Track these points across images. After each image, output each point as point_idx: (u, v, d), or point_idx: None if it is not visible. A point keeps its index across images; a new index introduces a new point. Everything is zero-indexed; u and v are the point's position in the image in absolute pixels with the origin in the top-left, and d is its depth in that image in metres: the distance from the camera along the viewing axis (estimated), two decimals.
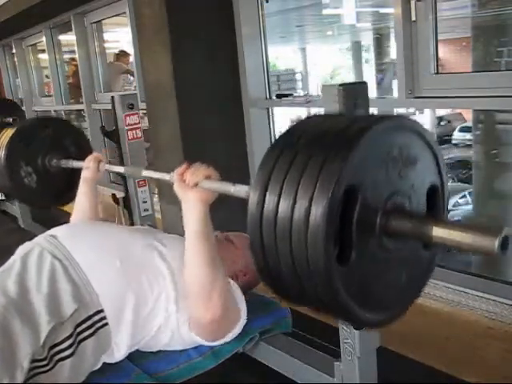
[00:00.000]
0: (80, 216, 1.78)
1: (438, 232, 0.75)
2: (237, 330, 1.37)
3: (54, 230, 1.49)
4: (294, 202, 0.72)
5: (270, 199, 0.75)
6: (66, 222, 1.72)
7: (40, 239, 1.44)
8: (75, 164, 1.95)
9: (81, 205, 1.80)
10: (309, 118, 0.86)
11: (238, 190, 1.09)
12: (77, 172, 1.89)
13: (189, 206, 1.24)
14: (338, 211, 0.71)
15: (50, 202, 2.25)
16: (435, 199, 0.88)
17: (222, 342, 1.38)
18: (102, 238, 1.47)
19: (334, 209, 0.70)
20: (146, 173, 1.52)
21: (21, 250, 1.42)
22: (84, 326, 1.26)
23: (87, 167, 1.76)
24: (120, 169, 1.92)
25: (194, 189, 1.22)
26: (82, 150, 2.15)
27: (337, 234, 0.72)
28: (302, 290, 0.76)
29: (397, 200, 0.80)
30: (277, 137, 0.82)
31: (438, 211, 0.88)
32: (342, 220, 0.73)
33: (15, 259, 1.37)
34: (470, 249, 0.72)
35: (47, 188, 2.10)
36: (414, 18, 1.81)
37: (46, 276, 1.29)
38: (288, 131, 0.82)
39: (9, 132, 2.07)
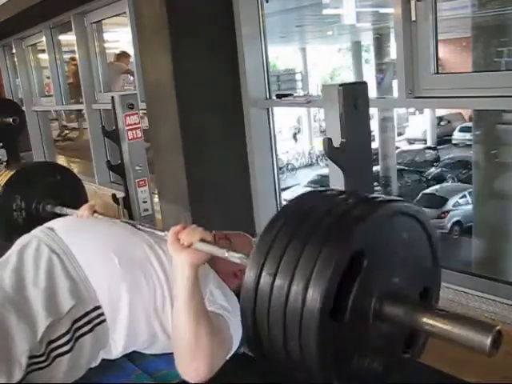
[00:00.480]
0: None
1: (430, 321, 0.75)
2: (225, 360, 1.34)
3: (52, 223, 1.49)
4: (290, 284, 0.72)
5: (265, 278, 0.75)
6: None
7: (37, 231, 1.44)
8: (69, 211, 1.94)
9: None
10: (310, 193, 0.87)
11: (231, 255, 1.09)
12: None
13: (179, 266, 1.24)
14: (332, 298, 0.72)
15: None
16: (429, 289, 0.89)
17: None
18: (100, 233, 1.47)
19: (329, 298, 0.71)
20: (139, 227, 1.52)
21: (19, 242, 1.42)
22: (82, 322, 1.26)
23: (81, 216, 1.73)
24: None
25: (186, 249, 1.22)
26: (78, 196, 2.21)
27: (330, 320, 0.72)
28: (293, 371, 0.77)
29: (391, 285, 0.81)
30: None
31: (431, 300, 0.90)
32: (337, 302, 0.73)
33: (12, 252, 1.37)
34: (461, 344, 0.71)
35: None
36: (414, 18, 1.81)
37: (43, 271, 1.29)
38: (286, 209, 0.83)
39: (7, 173, 2.12)
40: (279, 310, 0.73)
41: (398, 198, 0.84)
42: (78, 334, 1.25)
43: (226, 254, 1.11)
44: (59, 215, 1.97)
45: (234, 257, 1.08)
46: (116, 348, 1.34)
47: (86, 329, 1.26)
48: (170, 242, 1.25)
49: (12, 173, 2.11)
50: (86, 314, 1.27)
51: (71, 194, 2.20)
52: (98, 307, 1.28)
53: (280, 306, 0.73)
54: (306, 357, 0.73)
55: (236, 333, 1.32)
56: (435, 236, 0.89)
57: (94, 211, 1.70)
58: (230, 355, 1.34)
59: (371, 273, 0.77)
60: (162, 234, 1.35)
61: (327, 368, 0.74)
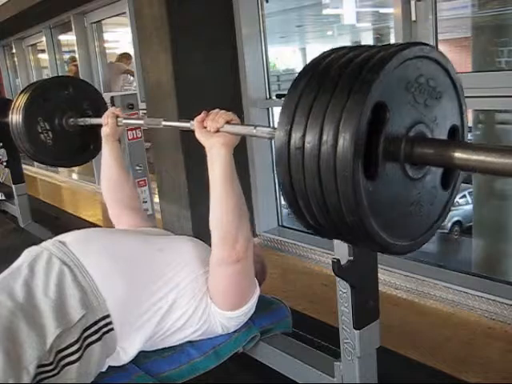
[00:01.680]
0: (106, 184, 1.82)
1: (462, 155, 0.74)
2: (253, 301, 1.39)
3: (63, 236, 1.48)
4: (320, 137, 0.72)
5: (295, 135, 0.75)
6: (72, 227, 1.71)
7: (48, 244, 1.42)
8: (93, 121, 1.93)
9: (108, 167, 1.82)
10: (332, 50, 0.86)
11: (260, 130, 1.09)
12: (92, 132, 1.91)
13: (212, 152, 1.24)
14: (364, 136, 0.71)
15: (67, 161, 2.23)
16: (456, 135, 0.89)
17: (238, 312, 1.38)
18: (111, 244, 1.46)
19: (361, 135, 0.70)
20: (165, 123, 1.52)
21: (27, 253, 1.41)
22: (91, 330, 1.26)
23: (106, 123, 1.72)
24: (139, 122, 1.90)
25: (216, 134, 1.22)
26: (98, 108, 2.13)
27: (364, 157, 0.72)
28: (330, 218, 0.77)
29: (420, 128, 0.80)
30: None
31: (461, 137, 0.90)
32: (369, 146, 0.73)
33: (23, 262, 1.36)
34: (494, 168, 0.71)
35: (64, 147, 2.08)
36: (414, 18, 1.81)
37: (53, 281, 1.29)
38: (312, 64, 0.81)
39: (22, 97, 2.06)
40: (313, 164, 0.73)
41: (418, 42, 0.83)
42: (86, 342, 1.25)
43: (255, 131, 1.11)
44: (83, 126, 2.00)
45: (263, 132, 1.08)
46: (126, 355, 1.33)
47: (94, 337, 1.26)
48: (198, 131, 1.25)
49: (27, 96, 2.04)
50: (95, 322, 1.26)
51: (89, 103, 2.14)
52: (107, 316, 1.28)
53: (313, 158, 0.73)
54: (342, 201, 0.73)
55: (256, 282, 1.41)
56: (457, 78, 0.87)
57: (117, 116, 1.70)
58: (254, 297, 1.40)
59: (396, 121, 0.77)
60: (188, 124, 1.32)
61: (365, 214, 0.74)
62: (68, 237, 1.48)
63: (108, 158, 1.78)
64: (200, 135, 1.25)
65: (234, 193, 1.25)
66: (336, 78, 0.75)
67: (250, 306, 1.39)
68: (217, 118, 1.22)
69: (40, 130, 2.03)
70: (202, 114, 1.25)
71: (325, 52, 0.84)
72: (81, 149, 2.11)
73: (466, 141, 0.92)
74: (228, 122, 1.21)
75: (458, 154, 0.74)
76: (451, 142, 0.82)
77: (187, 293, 1.37)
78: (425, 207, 0.86)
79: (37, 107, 2.03)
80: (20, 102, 2.04)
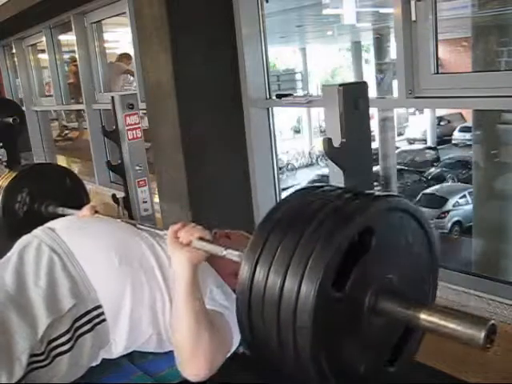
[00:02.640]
0: None
1: (425, 317, 0.75)
2: (223, 360, 1.34)
3: (53, 223, 1.49)
4: (284, 281, 0.73)
5: (259, 274, 0.76)
6: None
7: (38, 231, 1.44)
8: (70, 212, 1.95)
9: None
10: (303, 189, 0.88)
11: (229, 253, 1.10)
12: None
13: (178, 264, 1.25)
14: (327, 293, 0.72)
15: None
16: (425, 285, 0.90)
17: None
18: (101, 233, 1.47)
19: (323, 295, 0.71)
20: (139, 226, 1.54)
21: (20, 242, 1.42)
22: (82, 321, 1.26)
23: (83, 216, 1.74)
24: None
25: (185, 247, 1.23)
26: (79, 196, 2.26)
27: (324, 313, 0.72)
28: (287, 369, 0.77)
29: (387, 281, 0.81)
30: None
31: (427, 297, 0.91)
32: (331, 299, 0.74)
33: (13, 252, 1.37)
34: (455, 337, 0.72)
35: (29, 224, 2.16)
36: (414, 18, 1.81)
37: (43, 270, 1.29)
38: (281, 205, 0.84)
39: (10, 175, 2.17)
40: (273, 307, 0.74)
41: (393, 194, 0.84)
42: (78, 333, 1.25)
43: (224, 252, 1.11)
44: (60, 215, 1.98)
45: (233, 255, 1.09)
46: (116, 348, 1.34)
47: (86, 328, 1.27)
48: (169, 240, 1.26)
49: (29, 167, 2.21)
50: (87, 313, 1.27)
51: (73, 196, 2.23)
52: (99, 306, 1.29)
53: (274, 302, 0.73)
54: (299, 354, 0.73)
55: (236, 331, 1.31)
56: (432, 234, 0.88)
57: (96, 211, 1.71)
58: (230, 353, 1.34)
59: (367, 269, 0.77)
60: (162, 232, 1.35)
61: (321, 366, 0.74)
62: (57, 223, 1.49)
63: None
64: (170, 244, 1.25)
65: (195, 307, 1.23)
66: (305, 226, 0.76)
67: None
68: (192, 230, 1.23)
69: (18, 199, 2.14)
70: (179, 225, 1.26)
71: (301, 189, 0.88)
72: None
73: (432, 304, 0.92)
74: (200, 238, 1.21)
75: (422, 316, 0.76)
76: (417, 302, 0.82)
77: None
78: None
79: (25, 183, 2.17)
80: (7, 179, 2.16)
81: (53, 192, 2.19)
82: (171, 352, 1.41)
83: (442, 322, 0.73)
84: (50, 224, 1.48)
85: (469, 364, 1.63)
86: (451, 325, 0.72)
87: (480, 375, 1.58)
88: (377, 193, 0.85)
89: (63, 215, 1.98)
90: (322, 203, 0.80)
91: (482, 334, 0.68)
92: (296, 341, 0.72)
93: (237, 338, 1.33)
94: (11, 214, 2.12)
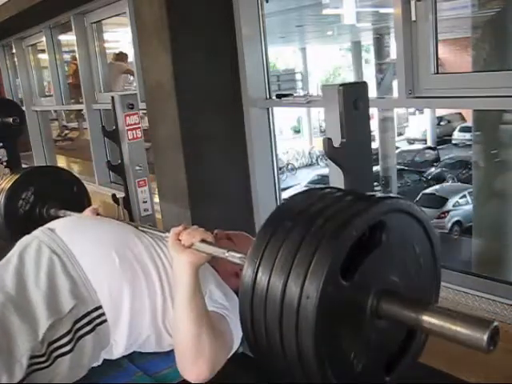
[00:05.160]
0: None
1: (427, 319, 0.75)
2: (224, 361, 1.33)
3: (52, 224, 1.49)
4: (286, 282, 0.73)
5: (262, 276, 0.76)
6: None
7: (38, 232, 1.44)
8: (73, 215, 1.95)
9: None
10: (304, 192, 0.88)
11: (231, 255, 1.10)
12: None
13: (179, 266, 1.25)
14: (330, 296, 0.72)
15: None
16: (428, 287, 0.89)
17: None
18: (101, 234, 1.47)
19: (327, 295, 0.71)
20: (141, 228, 1.54)
21: (20, 243, 1.42)
22: (83, 322, 1.26)
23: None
24: None
25: (187, 250, 1.23)
26: (81, 199, 2.26)
27: (328, 316, 0.72)
28: (289, 368, 0.77)
29: (390, 282, 0.81)
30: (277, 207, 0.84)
31: (430, 298, 0.90)
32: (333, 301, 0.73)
33: (13, 253, 1.37)
34: (458, 339, 0.72)
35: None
36: (414, 18, 1.81)
37: (44, 271, 1.29)
38: (284, 205, 0.83)
39: (14, 176, 2.17)
40: (275, 309, 0.74)
41: (394, 196, 0.83)
42: (79, 334, 1.25)
43: (226, 254, 1.11)
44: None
45: (234, 257, 1.09)
46: (117, 348, 1.34)
47: (87, 329, 1.27)
48: (171, 242, 1.26)
49: (34, 168, 2.11)
50: (87, 313, 1.27)
51: (76, 198, 2.25)
52: (99, 307, 1.29)
53: (276, 304, 0.73)
54: (302, 355, 0.73)
55: (236, 332, 1.32)
56: (436, 237, 0.88)
57: (97, 214, 1.71)
58: (230, 355, 1.34)
59: (372, 267, 0.77)
60: (163, 235, 1.35)
61: (323, 367, 0.74)
62: (57, 224, 1.49)
63: None
64: (172, 246, 1.25)
65: (197, 310, 1.24)
66: (309, 226, 0.76)
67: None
68: (193, 233, 1.23)
69: (23, 196, 2.14)
70: (180, 227, 1.26)
71: (304, 191, 0.89)
72: None
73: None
74: (202, 241, 1.22)
75: (425, 317, 0.75)
76: (420, 304, 0.81)
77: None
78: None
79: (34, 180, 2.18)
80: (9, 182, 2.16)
81: (55, 195, 2.20)
82: (171, 352, 1.41)
83: (445, 324, 0.73)
84: (50, 224, 1.49)
85: (469, 364, 1.63)
86: (453, 327, 0.72)
87: (480, 375, 1.58)
88: (384, 194, 0.84)
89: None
90: (327, 203, 0.79)
91: (485, 337, 0.67)
92: (298, 339, 0.72)
93: (237, 338, 1.33)
94: (13, 214, 2.12)
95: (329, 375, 0.75)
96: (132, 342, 1.35)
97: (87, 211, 1.75)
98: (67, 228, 1.47)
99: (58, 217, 2.05)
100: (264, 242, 0.78)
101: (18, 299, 1.24)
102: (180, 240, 1.25)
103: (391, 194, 0.88)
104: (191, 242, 1.22)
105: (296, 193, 0.88)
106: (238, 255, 1.07)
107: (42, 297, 1.24)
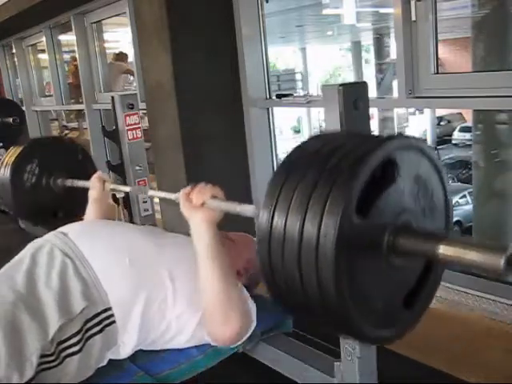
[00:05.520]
0: None
1: (444, 250, 0.75)
2: (248, 334, 1.37)
3: (65, 228, 1.50)
4: (303, 222, 0.73)
5: (278, 219, 0.76)
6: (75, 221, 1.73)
7: (50, 236, 1.45)
8: (80, 184, 1.96)
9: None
10: (315, 137, 0.87)
11: (244, 209, 1.10)
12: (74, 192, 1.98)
13: (196, 226, 1.25)
14: (348, 232, 0.72)
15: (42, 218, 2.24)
16: (440, 218, 0.89)
17: (232, 346, 1.38)
18: (112, 237, 1.47)
19: (344, 231, 0.71)
20: (151, 192, 1.55)
21: (31, 246, 1.43)
22: (92, 322, 1.27)
23: (93, 187, 1.77)
24: (125, 188, 1.97)
25: (200, 209, 1.23)
26: (86, 168, 2.20)
27: (346, 252, 0.72)
28: (310, 306, 0.77)
29: (404, 218, 0.81)
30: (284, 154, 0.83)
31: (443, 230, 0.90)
32: (351, 237, 0.73)
33: (25, 255, 1.38)
34: (475, 266, 0.73)
35: (37, 199, 2.11)
36: (414, 18, 1.81)
37: (56, 273, 1.30)
38: (296, 150, 0.83)
39: (17, 149, 2.12)
40: (294, 249, 0.74)
41: (405, 134, 0.84)
42: (88, 334, 1.26)
43: (238, 209, 1.12)
44: (70, 188, 2.04)
45: (246, 210, 1.09)
46: (124, 349, 1.34)
47: (96, 329, 1.27)
48: (182, 204, 1.26)
49: (39, 139, 2.09)
50: (97, 314, 1.28)
51: (81, 168, 2.20)
52: (109, 309, 1.29)
53: (294, 244, 0.73)
54: (323, 290, 0.73)
55: (253, 310, 1.36)
56: (443, 170, 0.89)
57: (104, 181, 1.75)
58: (251, 331, 1.35)
59: (384, 209, 0.78)
60: (172, 196, 1.34)
61: (344, 300, 0.74)
62: (70, 228, 1.50)
63: (92, 216, 1.80)
64: (184, 208, 1.26)
65: (221, 266, 1.25)
66: (323, 165, 0.75)
67: (244, 339, 1.37)
68: (203, 190, 1.23)
69: (28, 169, 2.08)
70: (189, 187, 1.26)
71: (315, 136, 0.87)
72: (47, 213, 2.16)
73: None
74: (213, 197, 1.22)
75: (441, 248, 0.75)
76: (434, 235, 0.82)
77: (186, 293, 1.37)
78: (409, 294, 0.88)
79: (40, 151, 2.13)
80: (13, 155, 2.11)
81: (60, 165, 2.15)
82: (174, 352, 1.41)
83: (462, 252, 0.73)
84: (62, 229, 1.49)
85: (469, 364, 1.63)
86: (470, 255, 0.72)
87: (480, 375, 1.58)
88: (394, 134, 0.85)
89: (72, 187, 2.02)
90: (339, 143, 0.79)
91: (502, 261, 0.67)
92: (319, 276, 0.72)
93: (254, 311, 1.37)
94: (20, 188, 2.07)
95: (350, 307, 0.75)
96: (140, 341, 1.36)
97: (94, 179, 1.76)
98: (80, 232, 1.48)
99: (65, 186, 2.06)
100: (278, 187, 0.77)
101: (30, 299, 1.24)
102: (191, 200, 1.24)
103: (402, 133, 0.89)
104: (202, 200, 1.22)
105: (306, 139, 0.87)
106: (250, 207, 1.07)
107: (53, 297, 1.25)
